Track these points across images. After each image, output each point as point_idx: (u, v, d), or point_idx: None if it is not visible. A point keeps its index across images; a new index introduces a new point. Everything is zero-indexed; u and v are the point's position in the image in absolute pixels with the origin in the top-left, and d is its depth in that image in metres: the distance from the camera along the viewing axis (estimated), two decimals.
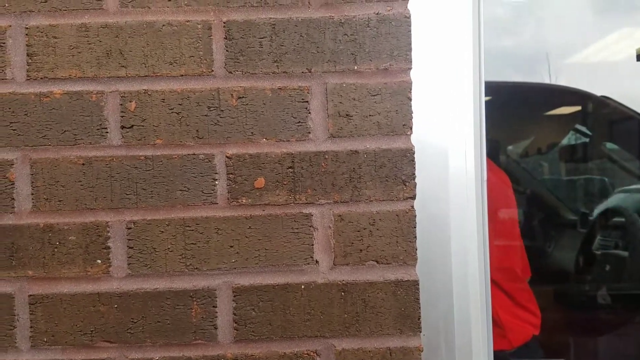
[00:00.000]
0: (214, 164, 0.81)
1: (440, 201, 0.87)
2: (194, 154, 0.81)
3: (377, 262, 0.81)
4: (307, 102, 0.81)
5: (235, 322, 0.81)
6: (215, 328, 0.81)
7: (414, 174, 0.81)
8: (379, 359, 0.80)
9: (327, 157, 0.81)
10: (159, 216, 0.81)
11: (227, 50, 0.81)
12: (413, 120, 0.81)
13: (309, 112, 0.81)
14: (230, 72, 0.81)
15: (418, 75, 0.87)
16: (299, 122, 0.81)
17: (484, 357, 0.87)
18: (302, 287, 0.81)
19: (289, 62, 0.81)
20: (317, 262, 0.81)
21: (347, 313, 0.81)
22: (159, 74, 0.81)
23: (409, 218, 0.81)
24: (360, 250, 0.81)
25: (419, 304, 0.81)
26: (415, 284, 0.81)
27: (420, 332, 0.81)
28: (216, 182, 0.82)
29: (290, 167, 0.81)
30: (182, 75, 0.81)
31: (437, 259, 0.85)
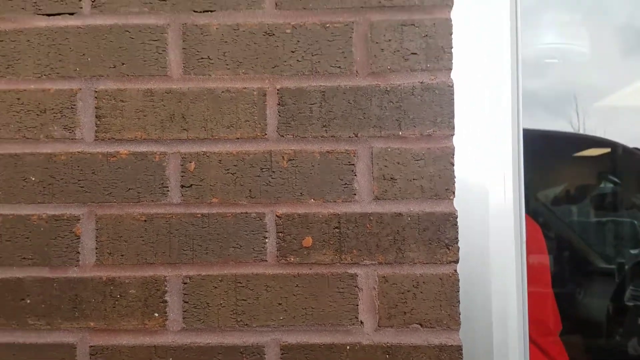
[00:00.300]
0: (264, 223, 0.81)
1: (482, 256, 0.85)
2: (246, 213, 0.82)
3: (421, 325, 0.78)
4: (353, 165, 0.81)
5: None
6: None
7: (457, 237, 0.78)
8: None
9: (372, 218, 0.80)
10: (212, 272, 0.81)
11: (279, 115, 0.82)
12: (456, 182, 0.80)
13: (355, 175, 0.81)
14: (282, 136, 0.82)
15: (462, 129, 0.86)
16: (346, 184, 0.81)
17: None
18: (347, 347, 0.79)
19: (336, 127, 0.82)
20: (361, 322, 0.79)
21: None
22: (217, 137, 0.82)
23: (453, 282, 0.78)
24: (405, 312, 0.78)
25: None
26: (458, 349, 0.77)
27: None
28: (266, 240, 0.81)
29: (336, 227, 0.80)
30: (237, 138, 0.82)
31: (479, 315, 0.82)
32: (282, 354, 0.79)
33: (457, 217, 0.78)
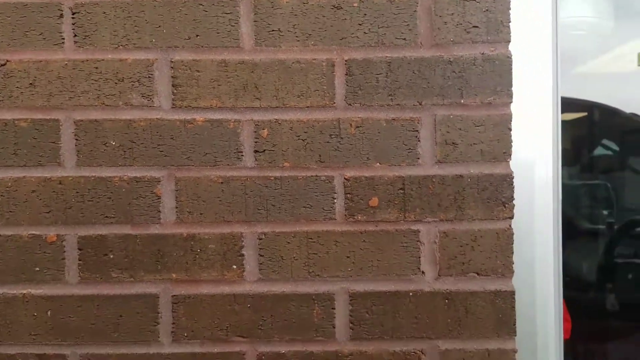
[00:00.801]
0: (333, 185, 0.89)
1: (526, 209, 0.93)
2: (316, 176, 0.89)
3: (478, 274, 0.87)
4: (417, 131, 0.88)
5: (351, 323, 0.88)
6: (334, 327, 0.88)
7: (513, 196, 0.87)
8: (479, 359, 0.87)
9: (434, 180, 0.88)
10: (285, 229, 0.89)
11: (347, 85, 0.88)
12: (512, 148, 0.87)
13: (419, 140, 0.88)
14: (350, 104, 0.88)
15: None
16: (410, 149, 0.88)
17: (554, 345, 0.93)
18: (410, 294, 0.88)
19: (401, 95, 0.88)
20: (423, 272, 0.88)
21: (450, 318, 0.87)
22: (288, 105, 0.88)
23: (508, 236, 0.87)
24: (463, 263, 0.87)
25: (515, 311, 0.87)
26: (512, 294, 0.87)
27: (515, 335, 0.87)
28: (335, 201, 0.89)
29: (401, 189, 0.88)
30: (307, 107, 0.88)
31: (522, 267, 0.91)
32: (350, 300, 0.87)
33: (513, 178, 0.86)
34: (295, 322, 0.88)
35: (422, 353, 0.87)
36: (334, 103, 0.88)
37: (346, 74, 0.87)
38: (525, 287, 0.89)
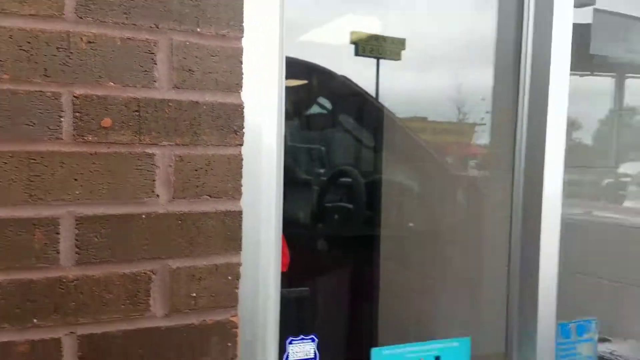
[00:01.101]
0: (60, 102, 0.82)
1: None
2: (40, 91, 0.81)
3: (210, 196, 0.92)
4: (153, 54, 0.87)
5: (77, 247, 0.84)
6: (58, 253, 0.83)
7: (243, 125, 0.94)
8: (207, 274, 0.93)
9: (170, 104, 0.89)
10: (2, 148, 0.80)
11: None
12: (243, 81, 0.94)
13: (155, 64, 0.87)
14: (81, 18, 0.82)
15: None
16: (146, 71, 0.87)
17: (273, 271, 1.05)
18: (144, 216, 0.88)
19: (138, 15, 0.86)
20: (157, 195, 0.89)
21: (183, 238, 0.91)
22: (7, 11, 0.78)
23: (238, 161, 0.94)
24: (197, 186, 0.91)
25: (241, 229, 0.95)
26: (239, 213, 0.94)
27: (241, 250, 0.95)
28: (62, 119, 0.83)
29: (136, 111, 0.87)
30: (32, 15, 0.79)
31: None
32: (77, 224, 0.84)
33: (244, 108, 0.93)
34: (13, 249, 0.81)
35: (153, 273, 0.89)
36: (63, 14, 0.81)
37: None
38: (251, 215, 0.98)
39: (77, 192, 0.84)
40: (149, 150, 0.88)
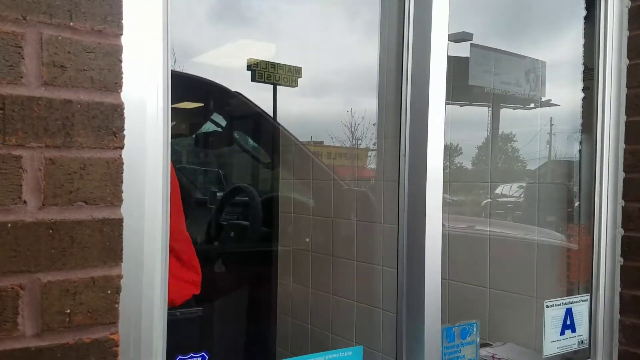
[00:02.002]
0: None
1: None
2: None
3: (86, 202, 0.86)
4: (20, 47, 0.80)
5: None
6: None
7: (123, 127, 0.89)
8: (83, 288, 0.85)
9: (40, 103, 0.82)
10: None
11: None
12: (123, 79, 0.89)
13: (23, 58, 0.80)
14: None
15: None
16: (12, 65, 0.80)
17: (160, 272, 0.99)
18: (9, 225, 0.80)
19: (2, 5, 0.79)
20: (25, 202, 0.81)
21: (55, 249, 0.83)
22: None
23: (118, 165, 0.88)
24: (70, 192, 0.84)
25: (122, 238, 0.89)
26: (120, 222, 0.88)
27: (122, 261, 0.89)
28: None
29: (0, 108, 0.79)
30: None
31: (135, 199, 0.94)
32: None
33: (124, 109, 0.88)
34: None
35: (21, 288, 0.81)
36: None
37: None
38: (133, 216, 0.93)
39: None
40: (15, 152, 0.80)
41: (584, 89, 1.84)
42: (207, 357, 1.16)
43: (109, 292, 0.88)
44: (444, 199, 1.43)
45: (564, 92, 2.41)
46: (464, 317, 1.50)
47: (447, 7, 1.38)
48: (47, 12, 0.82)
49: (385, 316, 2.14)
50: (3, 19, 0.79)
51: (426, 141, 1.36)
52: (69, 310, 0.84)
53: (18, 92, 0.80)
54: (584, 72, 1.84)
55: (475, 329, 1.46)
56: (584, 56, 1.86)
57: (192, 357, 1.14)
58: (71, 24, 0.84)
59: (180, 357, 1.14)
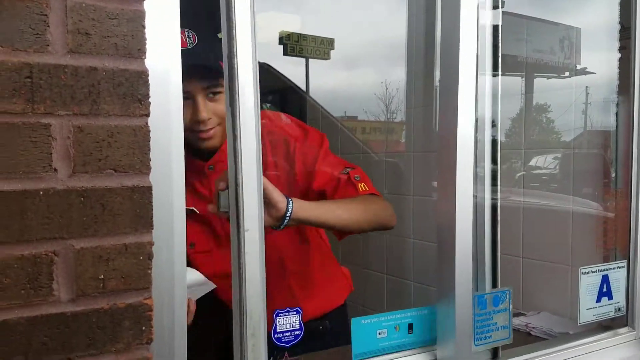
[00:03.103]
0: None
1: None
2: None
3: (115, 170, 0.86)
4: (45, 15, 0.81)
5: None
6: None
7: (149, 94, 0.89)
8: (116, 254, 0.87)
9: (66, 70, 0.82)
10: None
11: None
12: (147, 46, 0.89)
13: (48, 26, 0.81)
14: None
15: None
16: (37, 34, 0.80)
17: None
18: (41, 193, 0.81)
19: None
20: (55, 170, 0.82)
21: (86, 216, 0.84)
22: None
23: (145, 133, 0.88)
24: (99, 159, 0.85)
25: (152, 205, 0.90)
26: (149, 189, 0.89)
27: (152, 229, 0.90)
28: None
29: (28, 77, 0.80)
30: None
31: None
32: None
33: (148, 75, 0.88)
34: None
35: (55, 254, 0.82)
36: None
37: None
38: (161, 184, 0.93)
39: None
40: (44, 120, 0.81)
41: (621, 49, 1.78)
42: (300, 312, 1.25)
43: (141, 258, 0.89)
44: (476, 171, 1.40)
45: (600, 59, 2.33)
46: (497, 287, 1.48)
47: None
48: None
49: (416, 288, 2.13)
50: None
51: (456, 111, 1.33)
52: (102, 276, 0.86)
53: (45, 60, 0.81)
54: (621, 31, 1.77)
55: (507, 296, 1.44)
56: (620, 15, 1.78)
57: (288, 311, 1.23)
58: None
59: (278, 311, 1.23)
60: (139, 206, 0.88)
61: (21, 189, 0.80)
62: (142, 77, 0.88)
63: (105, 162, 0.86)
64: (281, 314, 1.23)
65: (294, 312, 1.24)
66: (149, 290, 0.90)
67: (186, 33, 1.37)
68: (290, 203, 1.28)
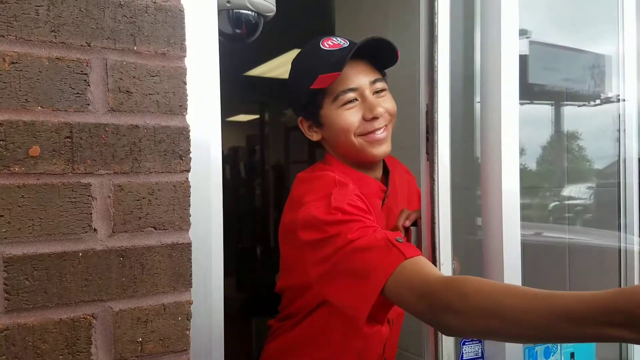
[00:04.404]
0: None
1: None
2: None
3: (155, 228, 0.84)
4: (86, 74, 0.80)
5: (7, 293, 0.74)
6: None
7: (189, 149, 0.87)
8: (154, 315, 0.84)
9: (107, 129, 0.81)
10: None
11: None
12: (188, 102, 0.88)
13: (89, 85, 0.80)
14: (3, 36, 0.75)
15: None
16: (78, 93, 0.79)
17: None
18: (80, 254, 0.79)
19: (67, 33, 0.78)
20: (95, 230, 0.80)
21: (125, 277, 0.82)
22: None
23: (185, 189, 0.87)
24: (140, 217, 0.83)
25: (191, 263, 0.87)
26: (188, 246, 0.87)
27: (191, 287, 0.87)
28: None
29: (68, 137, 0.79)
30: None
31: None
32: (5, 266, 0.75)
33: (189, 131, 0.86)
34: None
35: (93, 317, 0.80)
36: None
37: None
38: (201, 240, 0.91)
39: (4, 230, 0.75)
40: (84, 180, 0.80)
41: None
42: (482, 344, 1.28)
43: (179, 318, 0.86)
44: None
45: (632, 87, 2.27)
46: None
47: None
48: (110, 37, 0.81)
49: None
50: (68, 46, 0.79)
51: (500, 144, 1.29)
52: (140, 339, 0.83)
53: (85, 120, 0.80)
54: None
55: (559, 347, 1.37)
56: None
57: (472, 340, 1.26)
58: (135, 48, 0.83)
59: (464, 341, 1.24)
60: (177, 264, 0.86)
61: (60, 251, 0.78)
62: (183, 133, 0.86)
63: (145, 220, 0.83)
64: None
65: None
66: (187, 352, 0.87)
67: (334, 39, 1.30)
68: None
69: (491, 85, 1.35)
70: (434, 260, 1.18)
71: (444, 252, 1.18)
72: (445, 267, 1.18)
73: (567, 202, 2.63)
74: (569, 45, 2.52)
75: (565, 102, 2.67)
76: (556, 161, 2.55)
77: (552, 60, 2.51)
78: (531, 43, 2.38)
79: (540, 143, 2.71)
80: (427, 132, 1.21)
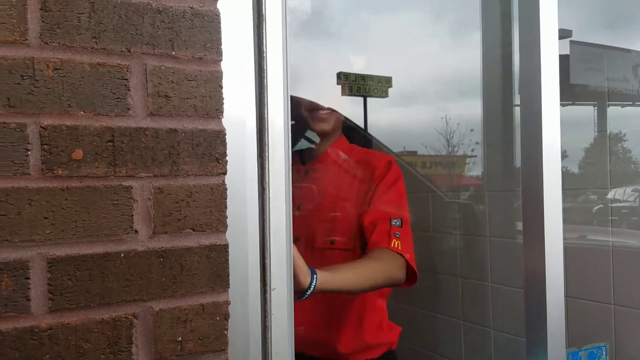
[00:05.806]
0: (26, 134, 0.76)
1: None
2: (4, 123, 0.75)
3: (194, 229, 0.85)
4: (126, 79, 0.82)
5: (50, 293, 0.77)
6: (28, 300, 0.75)
7: (226, 152, 0.87)
8: (193, 315, 0.85)
9: (147, 133, 0.83)
10: None
11: (42, 21, 0.77)
12: (224, 105, 0.89)
13: (129, 90, 0.82)
14: (46, 43, 0.77)
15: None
16: (119, 98, 0.81)
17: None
18: (122, 255, 0.81)
19: (107, 39, 0.81)
20: (136, 231, 0.82)
21: (165, 277, 0.83)
22: None
23: (222, 191, 0.87)
24: (179, 219, 0.84)
25: (228, 264, 0.88)
26: (225, 247, 0.87)
27: (229, 288, 0.88)
28: (29, 153, 0.76)
29: (109, 141, 0.81)
30: None
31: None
32: (49, 267, 0.77)
33: (225, 135, 0.87)
34: None
35: (134, 317, 0.81)
36: (27, 40, 0.76)
37: (41, 9, 0.77)
38: (237, 241, 0.91)
39: (48, 232, 0.77)
40: (125, 183, 0.81)
41: None
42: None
43: (217, 318, 0.87)
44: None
45: None
46: (588, 340, 1.36)
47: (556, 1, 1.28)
48: (149, 42, 0.83)
49: (497, 336, 2.01)
50: (109, 52, 0.80)
51: (541, 147, 1.26)
52: (180, 338, 0.84)
53: (126, 124, 0.81)
54: None
55: (604, 352, 1.33)
56: None
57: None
58: (173, 53, 0.84)
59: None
60: (215, 265, 0.86)
61: (103, 252, 0.80)
62: (219, 136, 0.87)
63: (184, 222, 0.84)
64: None
65: None
66: (225, 352, 0.87)
67: None
68: (315, 278, 1.20)
69: (531, 87, 1.32)
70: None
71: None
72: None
73: (611, 204, 2.55)
74: (611, 44, 2.45)
75: (608, 103, 2.59)
76: (599, 163, 2.47)
77: (594, 60, 2.45)
78: (572, 43, 2.32)
79: (583, 145, 2.64)
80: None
